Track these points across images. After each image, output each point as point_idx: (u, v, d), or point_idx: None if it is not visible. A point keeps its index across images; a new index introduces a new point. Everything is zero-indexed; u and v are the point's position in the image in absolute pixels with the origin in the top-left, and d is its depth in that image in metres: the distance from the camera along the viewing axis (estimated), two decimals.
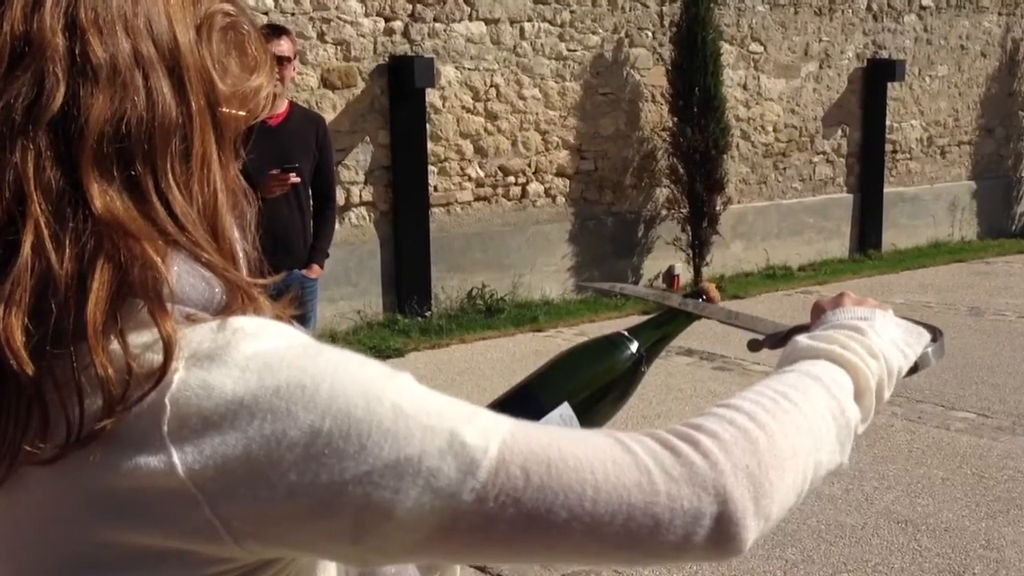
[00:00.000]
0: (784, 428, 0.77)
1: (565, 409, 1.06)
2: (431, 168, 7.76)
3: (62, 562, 0.66)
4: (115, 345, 0.65)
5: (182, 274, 0.69)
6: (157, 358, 0.65)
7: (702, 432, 0.73)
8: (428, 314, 7.61)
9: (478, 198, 8.09)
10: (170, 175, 0.70)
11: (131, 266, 0.66)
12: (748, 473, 0.72)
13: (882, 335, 0.94)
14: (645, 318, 1.19)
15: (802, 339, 0.93)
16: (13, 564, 0.68)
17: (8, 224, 0.65)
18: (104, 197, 0.66)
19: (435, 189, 7.84)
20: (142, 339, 0.66)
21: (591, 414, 1.08)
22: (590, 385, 1.09)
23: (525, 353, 6.98)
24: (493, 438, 0.68)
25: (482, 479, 0.66)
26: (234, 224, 0.75)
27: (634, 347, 1.13)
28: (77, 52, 0.67)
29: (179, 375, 0.65)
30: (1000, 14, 11.45)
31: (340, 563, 0.76)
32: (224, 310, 0.70)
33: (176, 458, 0.64)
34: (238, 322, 0.69)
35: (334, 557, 0.73)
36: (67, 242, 0.65)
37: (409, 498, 0.65)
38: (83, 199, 0.66)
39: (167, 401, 0.64)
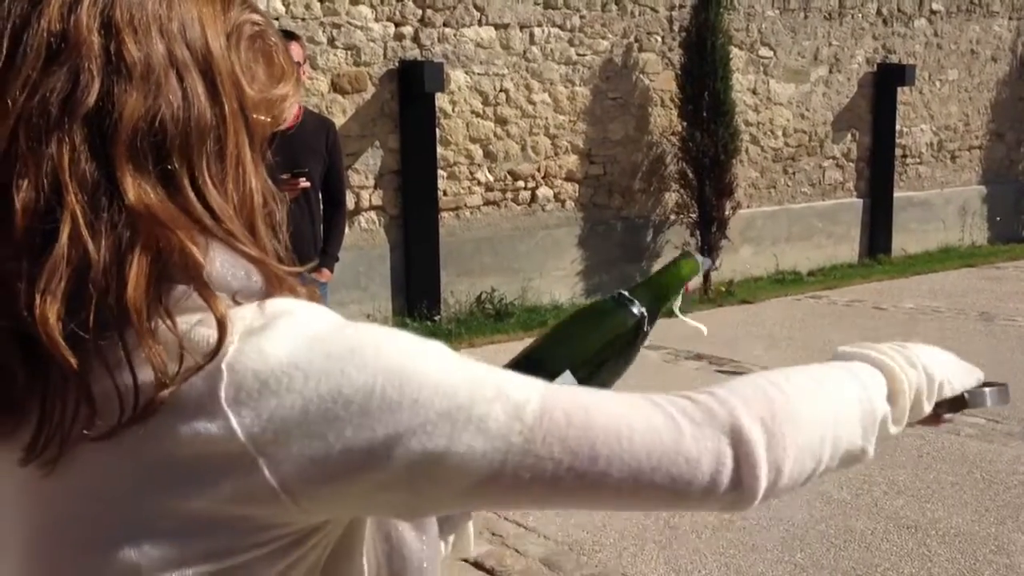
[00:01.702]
0: (803, 395, 0.82)
1: (567, 377, 1.05)
2: (441, 172, 7.79)
3: (114, 536, 0.68)
4: (163, 327, 0.67)
5: (222, 262, 0.71)
6: (211, 333, 0.67)
7: (722, 387, 0.80)
8: (437, 318, 7.62)
9: (487, 202, 8.11)
10: (206, 172, 0.72)
11: (169, 254, 0.68)
12: (762, 421, 0.77)
13: (924, 354, 0.98)
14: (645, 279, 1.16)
15: (841, 347, 0.98)
16: (66, 541, 0.70)
17: (45, 214, 0.66)
18: (138, 189, 0.68)
19: (444, 193, 7.86)
20: (191, 321, 0.69)
21: (594, 380, 1.06)
22: (593, 349, 1.07)
23: None
24: (534, 389, 0.72)
25: (529, 422, 0.70)
26: (266, 225, 0.78)
27: (635, 308, 1.11)
28: (112, 50, 0.69)
29: (234, 346, 0.67)
30: (1010, 18, 11.43)
31: (391, 517, 0.78)
32: (264, 297, 0.72)
33: (235, 422, 0.66)
34: (282, 303, 0.71)
35: (387, 510, 0.75)
36: (103, 231, 0.67)
37: (462, 443, 0.68)
38: (117, 191, 0.68)
39: (223, 367, 0.66)
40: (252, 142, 0.76)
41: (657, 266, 8.94)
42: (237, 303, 0.71)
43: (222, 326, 0.67)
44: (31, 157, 0.67)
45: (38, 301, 0.65)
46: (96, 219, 0.67)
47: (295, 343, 0.68)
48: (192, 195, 0.71)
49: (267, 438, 0.66)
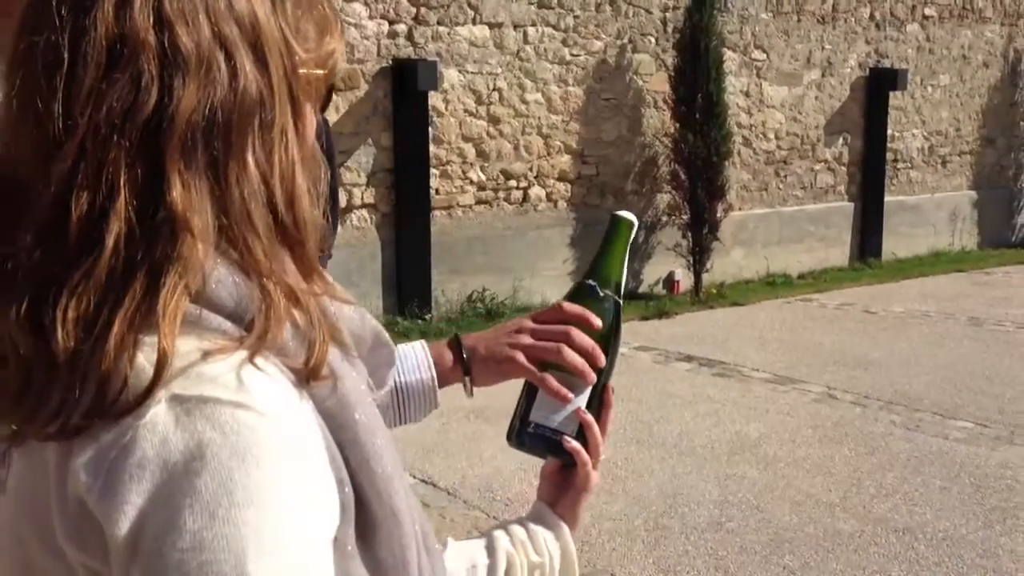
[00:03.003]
0: None
1: (586, 393, 1.11)
2: (433, 171, 7.78)
3: (42, 534, 0.69)
4: (132, 346, 0.66)
5: (221, 279, 0.70)
6: (147, 373, 0.66)
7: None
8: (428, 317, 7.61)
9: (480, 201, 8.10)
10: (249, 153, 0.71)
11: (185, 269, 0.67)
12: None
13: None
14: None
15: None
16: (33, 523, 0.71)
17: (99, 220, 0.66)
18: (181, 187, 0.68)
19: (437, 192, 7.85)
20: (185, 346, 0.67)
21: (603, 376, 1.11)
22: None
23: None
24: None
25: None
26: (310, 188, 0.76)
27: (608, 294, 1.13)
28: (167, 45, 0.68)
29: (158, 410, 0.66)
30: (1002, 24, 11.48)
31: None
32: (253, 325, 0.70)
33: (101, 484, 0.65)
34: (250, 396, 0.67)
35: None
36: (145, 238, 0.67)
37: None
38: (162, 191, 0.67)
39: (137, 432, 0.65)
40: (298, 105, 0.75)
41: (648, 267, 8.96)
42: (213, 353, 0.68)
43: (157, 374, 0.65)
44: (93, 166, 0.67)
45: (64, 303, 0.66)
46: (141, 225, 0.67)
47: (191, 455, 0.64)
48: (233, 182, 0.70)
49: (112, 516, 0.64)
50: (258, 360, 0.69)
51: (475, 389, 1.18)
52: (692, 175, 8.67)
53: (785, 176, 10.03)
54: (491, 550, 1.06)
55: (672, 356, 6.96)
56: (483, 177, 8.09)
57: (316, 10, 0.78)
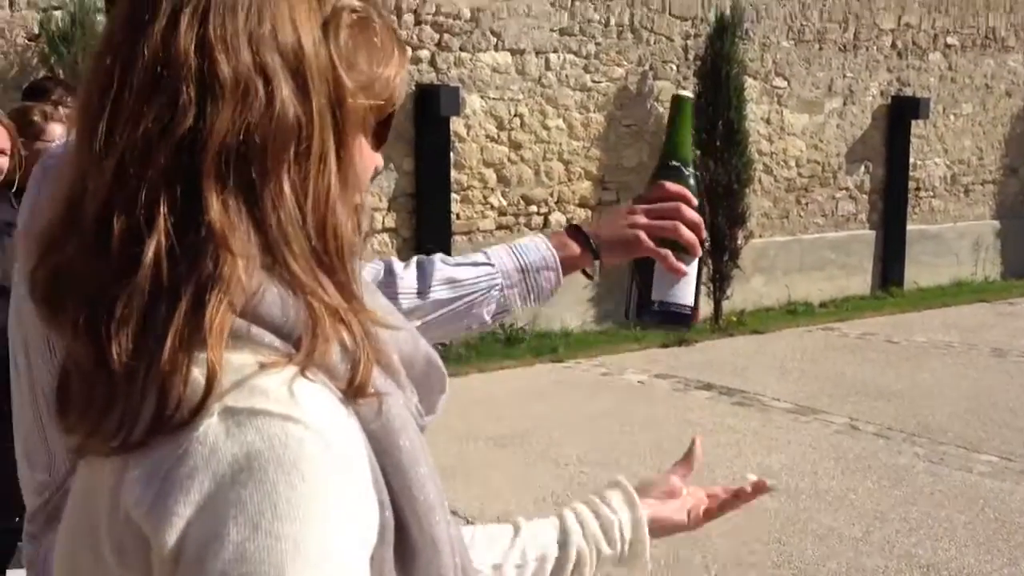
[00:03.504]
0: None
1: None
2: (454, 196, 7.80)
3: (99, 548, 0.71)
4: (186, 362, 0.68)
5: (267, 295, 0.71)
6: (200, 387, 0.67)
7: None
8: (447, 343, 7.60)
9: (500, 227, 8.11)
10: (284, 178, 0.72)
11: (229, 286, 0.68)
12: None
13: None
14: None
15: None
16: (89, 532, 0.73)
17: (139, 239, 0.68)
18: (220, 209, 0.69)
19: (458, 217, 7.87)
20: (243, 363, 0.69)
21: None
22: None
23: (544, 384, 6.96)
24: None
25: None
26: (349, 217, 0.76)
27: (689, 170, 1.25)
28: (206, 69, 0.70)
29: (211, 421, 0.67)
30: None
31: None
32: (301, 343, 0.71)
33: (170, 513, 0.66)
34: (300, 410, 0.68)
35: None
36: (185, 257, 0.68)
37: None
38: (202, 210, 0.69)
39: (192, 445, 0.66)
40: (343, 133, 0.75)
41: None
42: (267, 367, 0.69)
43: (210, 381, 0.66)
44: (132, 186, 0.69)
45: (113, 322, 0.67)
46: (180, 242, 0.68)
47: (239, 470, 0.65)
48: (269, 206, 0.71)
49: (160, 528, 0.66)
50: (308, 375, 0.70)
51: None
52: (713, 202, 8.64)
53: (806, 204, 10.00)
54: (563, 545, 1.10)
55: (692, 384, 6.92)
56: (504, 202, 8.10)
57: (373, 40, 0.79)
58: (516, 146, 8.11)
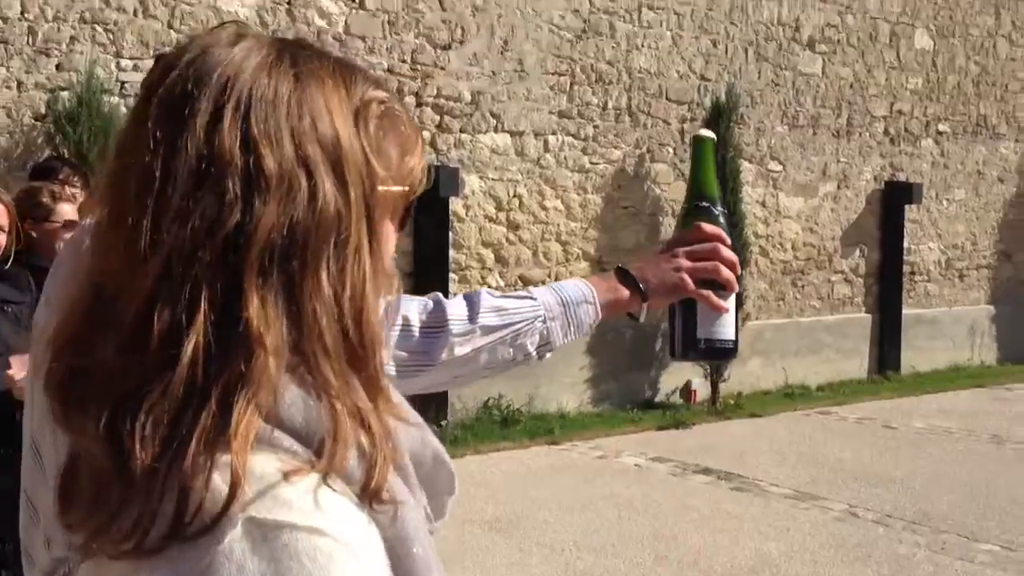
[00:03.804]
0: None
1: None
2: (452, 276, 7.82)
3: None
4: (208, 466, 0.66)
5: (291, 399, 0.70)
6: (222, 494, 0.65)
7: None
8: (444, 423, 7.55)
9: None
10: (323, 270, 0.71)
11: (259, 387, 0.67)
12: None
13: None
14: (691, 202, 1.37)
15: None
16: None
17: (179, 336, 0.67)
18: (257, 303, 0.68)
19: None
20: (267, 466, 0.67)
21: None
22: None
23: (540, 466, 6.90)
24: None
25: None
26: (378, 306, 0.76)
27: (717, 208, 1.31)
28: (251, 165, 0.70)
29: (235, 534, 0.65)
30: (1017, 141, 11.63)
31: None
32: (322, 446, 0.70)
33: None
34: (327, 522, 0.67)
35: None
36: (222, 355, 0.67)
37: None
38: (239, 306, 0.68)
39: (219, 556, 0.65)
40: (374, 223, 0.76)
41: (665, 376, 8.90)
42: (290, 475, 0.68)
43: (232, 496, 0.65)
44: (177, 283, 0.68)
45: (142, 417, 0.66)
46: (217, 340, 0.67)
47: None
48: (306, 299, 0.70)
49: None
50: (330, 483, 0.69)
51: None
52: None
53: (802, 286, 10.04)
54: None
55: (689, 468, 6.86)
56: (502, 283, 8.13)
57: (398, 129, 0.80)
58: (514, 226, 8.17)
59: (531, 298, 1.29)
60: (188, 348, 0.66)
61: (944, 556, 5.17)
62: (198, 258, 0.68)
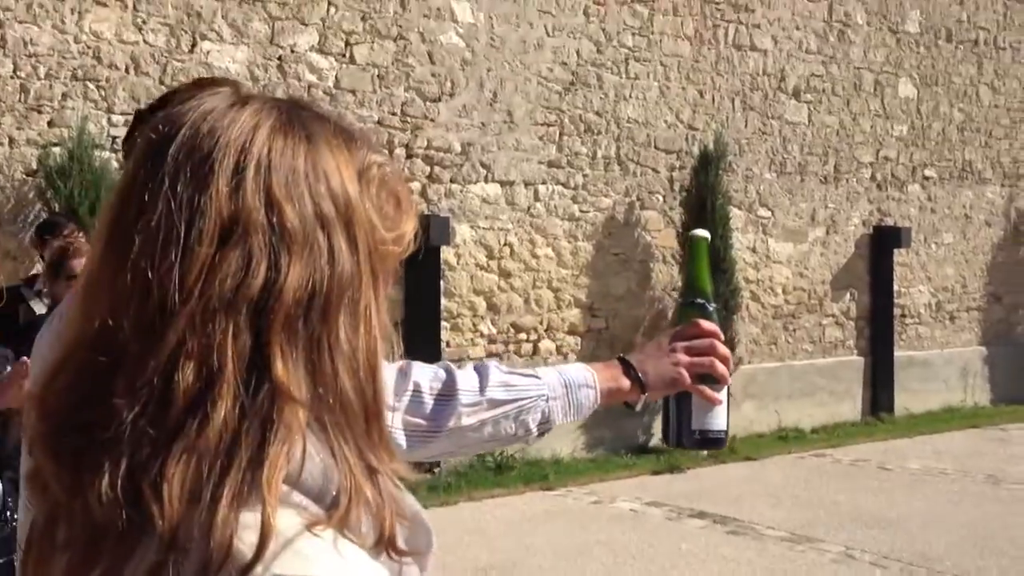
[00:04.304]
0: None
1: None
2: (444, 324, 7.85)
3: None
4: (236, 522, 0.66)
5: (308, 460, 0.70)
6: (251, 546, 0.65)
7: None
8: (437, 471, 7.52)
9: (490, 354, 8.13)
10: (341, 328, 0.72)
11: (291, 443, 0.68)
12: None
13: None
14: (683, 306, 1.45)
15: None
16: None
17: (204, 394, 0.67)
18: (282, 361, 0.69)
19: (448, 345, 7.89)
20: (281, 522, 0.67)
21: None
22: None
23: (535, 512, 6.86)
24: None
25: None
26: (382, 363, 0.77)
27: (710, 306, 1.40)
28: (276, 224, 0.71)
29: None
30: (1003, 185, 11.75)
31: None
32: (335, 507, 0.71)
33: None
34: (345, 571, 0.68)
35: None
36: (250, 415, 0.68)
37: None
38: (267, 367, 0.68)
39: None
40: (380, 279, 0.78)
41: (658, 421, 8.87)
42: (310, 525, 0.69)
43: (260, 551, 0.65)
44: (202, 341, 0.68)
45: (172, 473, 0.66)
46: (247, 400, 0.68)
47: None
48: (327, 357, 0.71)
49: None
50: (347, 536, 0.69)
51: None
52: None
53: (794, 330, 10.07)
54: None
55: (684, 513, 6.82)
56: (493, 330, 8.15)
57: (395, 191, 0.81)
58: (506, 274, 8.21)
59: (536, 376, 1.35)
60: (221, 405, 0.67)
61: None
62: (225, 316, 0.68)
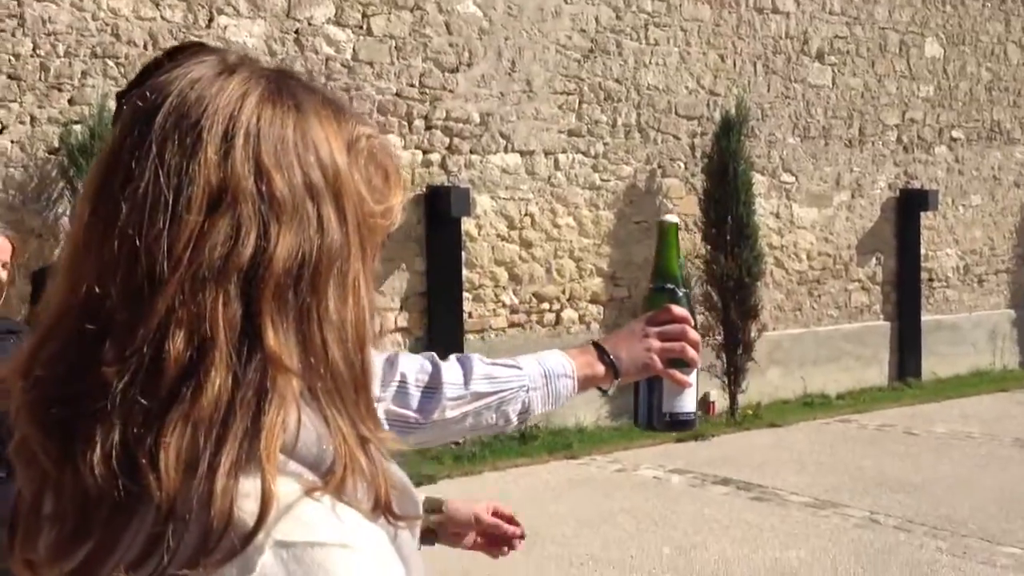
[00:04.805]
0: None
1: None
2: (466, 295, 7.86)
3: None
4: (235, 489, 0.66)
5: (303, 431, 0.70)
6: (252, 513, 0.65)
7: None
8: (461, 440, 7.57)
9: (512, 324, 8.15)
10: (330, 298, 0.73)
11: (285, 411, 0.68)
12: None
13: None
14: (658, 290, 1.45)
15: None
16: None
17: (195, 364, 0.67)
18: (276, 334, 0.69)
19: (470, 315, 7.91)
20: (281, 488, 0.68)
21: None
22: None
23: (559, 481, 6.89)
24: None
25: None
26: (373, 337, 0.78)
27: (680, 290, 1.42)
28: (264, 193, 0.70)
29: (266, 560, 0.65)
30: None
31: None
32: (331, 474, 0.71)
33: None
34: (353, 536, 0.69)
35: None
36: (244, 382, 0.67)
37: None
38: (258, 336, 0.68)
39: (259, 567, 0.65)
40: (368, 251, 0.78)
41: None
42: (308, 491, 0.69)
43: (261, 518, 0.65)
44: (192, 310, 0.67)
45: (168, 442, 0.65)
46: (240, 369, 0.68)
47: None
48: (316, 327, 0.71)
49: None
50: (344, 500, 0.70)
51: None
52: (724, 296, 8.68)
53: (819, 296, 10.01)
54: None
55: (708, 479, 6.83)
56: (516, 300, 8.16)
57: (383, 164, 0.81)
58: (527, 244, 8.20)
59: (518, 367, 1.38)
60: (215, 373, 0.66)
61: (966, 561, 5.12)
62: (214, 284, 0.68)
